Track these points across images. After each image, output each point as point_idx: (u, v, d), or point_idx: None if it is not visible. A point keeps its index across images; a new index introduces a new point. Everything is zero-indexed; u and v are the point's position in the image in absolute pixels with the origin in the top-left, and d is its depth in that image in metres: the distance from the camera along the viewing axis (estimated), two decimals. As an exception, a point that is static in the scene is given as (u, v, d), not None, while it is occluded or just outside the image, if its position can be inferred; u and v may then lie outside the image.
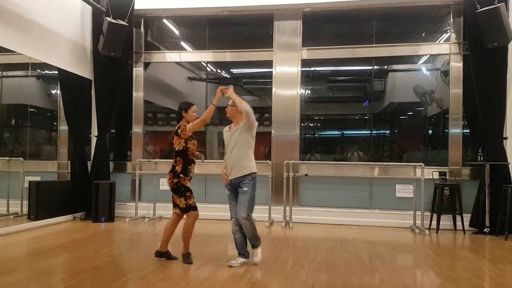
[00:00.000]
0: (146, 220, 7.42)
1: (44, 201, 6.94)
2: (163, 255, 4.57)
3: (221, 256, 4.84)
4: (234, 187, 4.40)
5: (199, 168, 7.96)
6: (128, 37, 7.70)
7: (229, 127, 4.57)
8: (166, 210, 7.70)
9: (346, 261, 4.65)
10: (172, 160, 4.50)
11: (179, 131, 4.41)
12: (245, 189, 4.31)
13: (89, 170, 7.74)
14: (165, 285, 3.66)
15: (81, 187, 7.57)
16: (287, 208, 7.22)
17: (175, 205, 4.49)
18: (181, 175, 4.40)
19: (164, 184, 7.93)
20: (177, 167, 4.42)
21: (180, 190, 4.41)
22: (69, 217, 7.37)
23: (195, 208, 4.45)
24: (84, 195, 7.52)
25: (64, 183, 7.68)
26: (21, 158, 7.56)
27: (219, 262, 4.52)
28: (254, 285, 3.71)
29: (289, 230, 6.67)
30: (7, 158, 7.55)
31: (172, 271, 4.14)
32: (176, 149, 4.45)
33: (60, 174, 7.97)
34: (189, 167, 4.45)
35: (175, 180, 4.41)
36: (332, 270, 4.27)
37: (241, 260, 4.41)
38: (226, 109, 4.55)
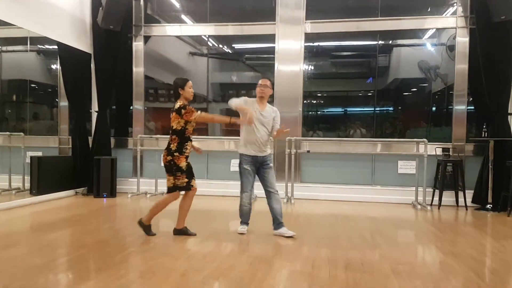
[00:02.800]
0: (148, 195, 7.44)
1: (46, 176, 6.96)
2: (181, 232, 4.56)
3: (222, 231, 4.86)
4: (259, 163, 4.63)
5: (202, 144, 7.99)
6: (128, 9, 7.56)
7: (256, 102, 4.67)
8: (168, 186, 7.72)
9: (347, 237, 4.65)
10: (169, 137, 4.42)
11: (183, 111, 4.25)
12: (271, 164, 4.76)
13: (90, 146, 7.72)
14: (167, 259, 3.67)
15: (83, 162, 7.57)
16: (289, 184, 7.21)
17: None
18: (176, 154, 4.33)
19: (166, 160, 7.95)
20: (172, 145, 4.35)
21: (171, 168, 4.35)
22: (71, 192, 7.40)
23: (181, 189, 4.40)
24: (86, 170, 7.51)
25: (65, 159, 7.68)
26: (21, 133, 7.55)
27: (220, 237, 4.53)
28: (255, 260, 3.71)
29: (291, 206, 6.67)
30: (7, 133, 7.54)
31: (174, 246, 4.15)
32: (174, 127, 4.35)
33: (61, 149, 7.96)
34: (185, 144, 4.38)
35: (168, 158, 4.34)
36: (333, 245, 4.27)
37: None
38: (258, 87, 4.68)
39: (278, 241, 4.41)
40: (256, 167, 4.65)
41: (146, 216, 4.51)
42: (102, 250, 3.94)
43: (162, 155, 4.43)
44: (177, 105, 4.32)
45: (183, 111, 4.25)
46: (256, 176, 4.72)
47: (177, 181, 4.36)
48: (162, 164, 4.43)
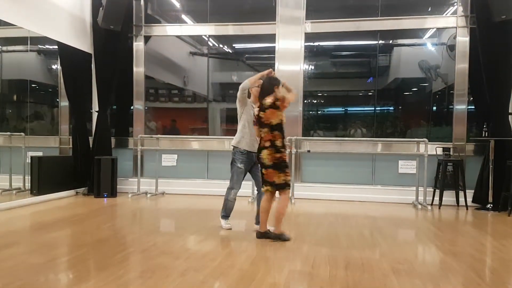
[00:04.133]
0: (148, 195, 7.43)
1: (47, 176, 6.96)
2: (264, 235, 4.42)
3: (222, 231, 4.85)
4: (253, 161, 4.69)
5: (202, 144, 8.00)
6: (128, 9, 7.57)
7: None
8: (169, 186, 7.76)
9: (347, 236, 4.65)
10: (265, 135, 4.29)
11: (278, 102, 4.20)
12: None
13: (91, 146, 7.72)
14: (167, 258, 3.67)
15: (83, 162, 7.56)
16: (289, 184, 7.21)
17: (267, 183, 4.31)
18: (282, 150, 4.26)
19: (166, 160, 7.97)
20: (277, 142, 4.24)
21: (281, 165, 4.25)
22: (71, 192, 7.40)
23: (289, 186, 4.32)
24: (86, 170, 7.51)
25: (66, 159, 7.68)
26: (22, 133, 7.56)
27: (221, 236, 4.54)
28: (255, 259, 3.72)
29: (291, 206, 6.66)
30: (8, 133, 7.54)
31: (174, 245, 4.15)
32: (274, 123, 4.24)
33: (61, 149, 7.97)
34: (284, 140, 4.31)
35: (277, 155, 4.23)
36: (333, 244, 4.27)
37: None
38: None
39: (279, 240, 4.40)
40: (250, 165, 4.74)
41: (275, 225, 4.39)
42: (102, 250, 3.94)
43: (262, 155, 4.29)
44: (269, 100, 4.25)
45: (278, 102, 4.21)
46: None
47: (287, 177, 4.27)
48: (267, 164, 4.26)
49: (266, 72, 4.61)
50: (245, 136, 4.69)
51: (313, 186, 7.50)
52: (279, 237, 4.35)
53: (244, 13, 8.56)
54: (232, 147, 4.79)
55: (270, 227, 4.45)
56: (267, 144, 4.27)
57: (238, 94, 4.66)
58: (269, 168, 4.27)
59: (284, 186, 4.29)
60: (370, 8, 7.59)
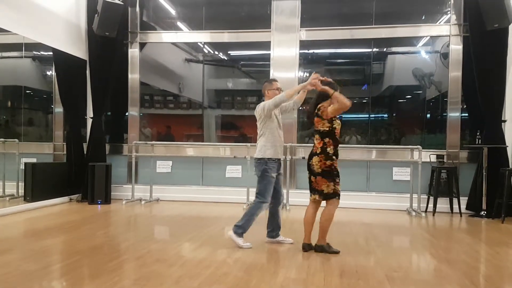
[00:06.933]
0: (143, 202, 7.40)
1: (40, 183, 6.91)
2: (311, 247, 4.33)
3: (217, 238, 4.84)
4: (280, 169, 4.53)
5: (197, 151, 8.00)
6: (123, 16, 7.57)
7: None
8: (163, 192, 7.73)
9: (342, 243, 4.65)
10: (317, 142, 4.28)
11: (319, 112, 4.24)
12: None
13: (85, 152, 7.69)
14: (161, 265, 3.65)
15: (77, 169, 7.52)
16: (285, 191, 7.18)
17: (315, 191, 4.25)
18: (334, 157, 4.19)
19: (161, 167, 7.94)
20: (328, 149, 4.19)
21: (332, 173, 4.19)
22: (65, 198, 7.35)
23: (339, 196, 4.24)
24: (80, 177, 7.47)
25: (60, 165, 7.64)
26: (16, 140, 7.52)
27: (215, 243, 4.51)
28: (249, 266, 3.70)
29: (286, 213, 6.66)
30: (2, 139, 7.50)
31: (168, 253, 4.13)
32: (322, 130, 4.24)
33: (56, 156, 7.93)
34: (337, 148, 4.28)
35: (328, 163, 4.16)
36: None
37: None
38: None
39: (273, 248, 4.40)
40: (277, 173, 4.49)
41: (319, 236, 4.31)
42: (96, 257, 3.91)
43: (312, 161, 4.23)
44: (316, 109, 4.30)
45: (319, 111, 4.24)
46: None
47: (337, 186, 4.23)
48: (318, 171, 4.20)
49: (307, 83, 4.38)
50: (274, 143, 4.41)
51: (309, 193, 7.47)
52: (325, 249, 4.22)
53: (239, 20, 8.60)
54: (259, 159, 4.37)
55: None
56: (318, 150, 4.23)
57: (270, 107, 4.30)
58: (318, 176, 4.20)
59: (332, 196, 4.21)
60: (365, 16, 7.66)
